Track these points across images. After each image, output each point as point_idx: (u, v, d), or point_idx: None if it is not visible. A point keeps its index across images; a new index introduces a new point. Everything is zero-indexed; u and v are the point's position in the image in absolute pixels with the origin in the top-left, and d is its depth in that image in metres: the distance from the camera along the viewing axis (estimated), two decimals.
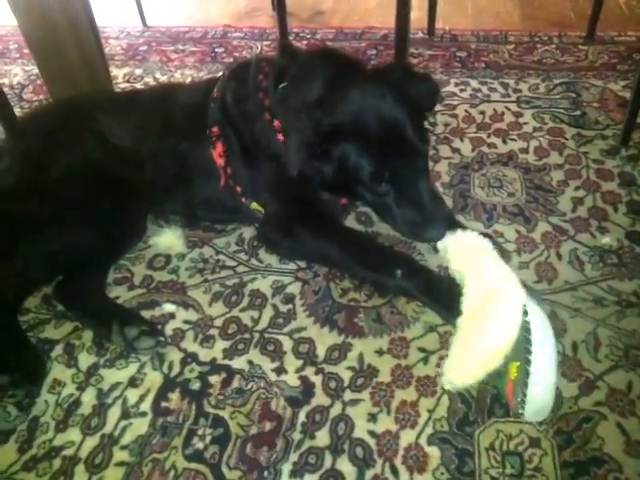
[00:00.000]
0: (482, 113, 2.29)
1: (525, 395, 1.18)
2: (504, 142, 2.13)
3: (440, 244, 1.52)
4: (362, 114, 1.49)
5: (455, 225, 1.63)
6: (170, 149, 1.78)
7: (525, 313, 1.23)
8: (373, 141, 1.48)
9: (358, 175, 1.51)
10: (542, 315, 1.26)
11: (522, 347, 1.20)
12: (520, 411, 1.22)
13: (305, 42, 2.97)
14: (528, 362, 1.18)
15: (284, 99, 1.62)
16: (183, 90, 1.98)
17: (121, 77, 2.84)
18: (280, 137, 1.63)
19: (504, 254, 1.61)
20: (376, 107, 1.50)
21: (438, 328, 1.51)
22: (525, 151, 2.07)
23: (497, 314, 1.24)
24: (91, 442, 1.36)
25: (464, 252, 1.41)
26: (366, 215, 1.87)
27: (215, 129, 1.72)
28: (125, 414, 1.40)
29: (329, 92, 1.54)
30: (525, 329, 1.21)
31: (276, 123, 1.63)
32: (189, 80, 2.75)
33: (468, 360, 1.25)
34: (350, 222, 1.85)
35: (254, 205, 1.75)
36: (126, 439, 1.35)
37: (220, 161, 1.73)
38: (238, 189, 1.74)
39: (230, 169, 1.73)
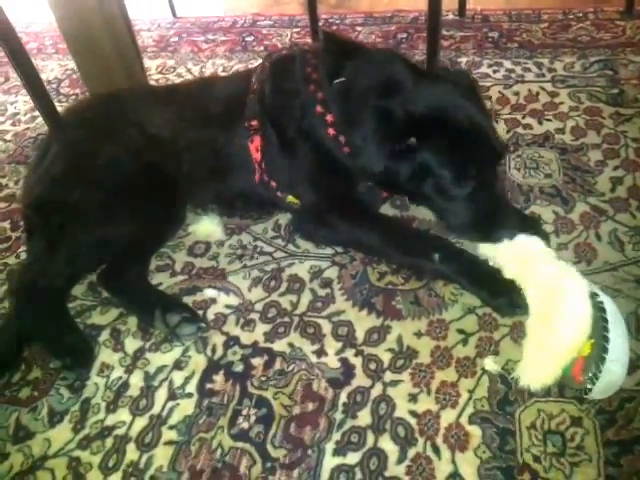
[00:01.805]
0: (516, 94, 2.26)
1: (600, 371, 1.20)
2: (540, 123, 2.10)
3: (482, 251, 1.53)
4: (454, 110, 1.49)
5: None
6: (207, 140, 1.80)
7: (596, 294, 1.27)
8: (465, 140, 1.48)
9: (440, 177, 1.50)
10: (609, 297, 1.29)
11: (598, 325, 1.23)
12: (589, 386, 1.22)
13: (335, 28, 2.97)
14: (606, 339, 1.20)
15: (344, 93, 1.59)
16: (221, 82, 2.00)
17: (154, 69, 2.89)
18: (331, 131, 1.62)
19: (544, 237, 1.58)
20: (465, 105, 1.51)
21: (477, 310, 1.51)
22: (561, 131, 2.04)
23: (564, 312, 1.26)
24: (141, 422, 1.41)
25: (516, 259, 1.42)
26: (401, 199, 1.87)
27: (254, 122, 1.73)
28: (172, 395, 1.46)
29: (413, 87, 1.53)
30: (600, 309, 1.24)
31: (329, 117, 1.62)
32: (221, 69, 2.78)
33: (543, 361, 1.26)
34: (385, 207, 1.85)
35: (290, 199, 1.77)
36: (174, 419, 1.41)
37: (257, 155, 1.74)
38: (273, 184, 1.76)
39: (266, 164, 1.74)
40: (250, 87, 1.77)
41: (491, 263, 1.50)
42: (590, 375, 1.21)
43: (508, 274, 1.44)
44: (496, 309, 1.47)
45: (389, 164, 1.51)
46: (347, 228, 1.68)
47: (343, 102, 1.60)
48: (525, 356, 1.32)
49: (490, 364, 1.37)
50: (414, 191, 1.60)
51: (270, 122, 1.73)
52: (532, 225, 1.59)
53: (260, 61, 1.87)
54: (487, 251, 1.52)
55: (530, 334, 1.33)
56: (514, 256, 1.43)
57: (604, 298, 1.28)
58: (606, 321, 1.22)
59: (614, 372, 1.21)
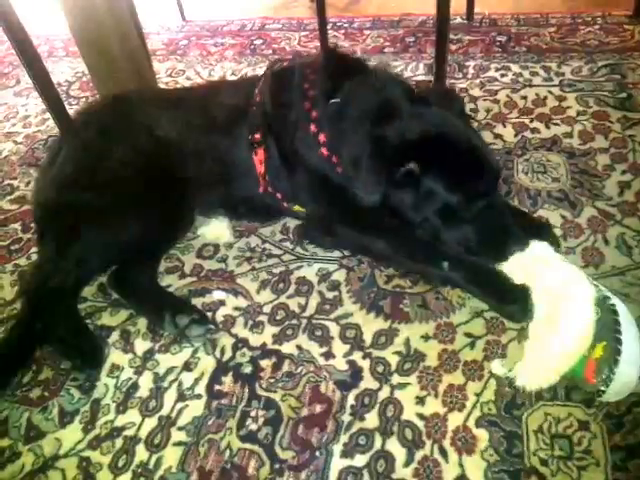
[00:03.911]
0: (524, 98, 2.26)
1: (613, 373, 1.20)
2: (547, 127, 2.11)
3: None
4: (451, 133, 1.49)
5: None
6: (213, 147, 1.80)
7: (608, 297, 1.27)
8: (466, 162, 1.47)
9: (447, 202, 1.47)
10: (620, 300, 1.29)
11: (609, 328, 1.23)
12: (602, 388, 1.23)
13: (342, 31, 2.98)
14: (618, 341, 1.21)
15: (338, 114, 1.58)
16: (228, 88, 2.01)
17: (163, 72, 2.91)
18: (324, 151, 1.62)
19: (554, 241, 1.59)
20: (460, 128, 1.52)
21: (484, 313, 1.52)
22: (569, 135, 2.05)
23: (568, 319, 1.26)
24: (150, 423, 1.43)
25: (523, 262, 1.41)
26: None
27: (257, 135, 1.72)
28: (181, 397, 1.47)
29: (408, 113, 1.52)
30: (612, 311, 1.25)
31: (322, 137, 1.61)
32: (230, 73, 2.80)
33: (543, 365, 1.27)
34: None
35: (296, 208, 1.78)
36: (183, 420, 1.42)
37: (260, 168, 1.74)
38: (278, 195, 1.77)
39: (269, 176, 1.75)
40: (253, 98, 1.76)
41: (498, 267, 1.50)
42: (603, 377, 1.22)
43: (515, 278, 1.43)
44: (506, 316, 1.47)
45: (391, 192, 1.50)
46: (354, 236, 1.68)
47: (336, 124, 1.59)
48: (525, 357, 1.32)
49: (497, 367, 1.37)
50: (418, 221, 1.56)
51: (271, 135, 1.73)
52: (542, 230, 1.59)
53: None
54: None
55: (533, 337, 1.33)
56: (522, 260, 1.43)
57: (616, 301, 1.28)
58: (619, 324, 1.23)
59: (628, 374, 1.22)
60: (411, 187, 1.50)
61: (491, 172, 1.51)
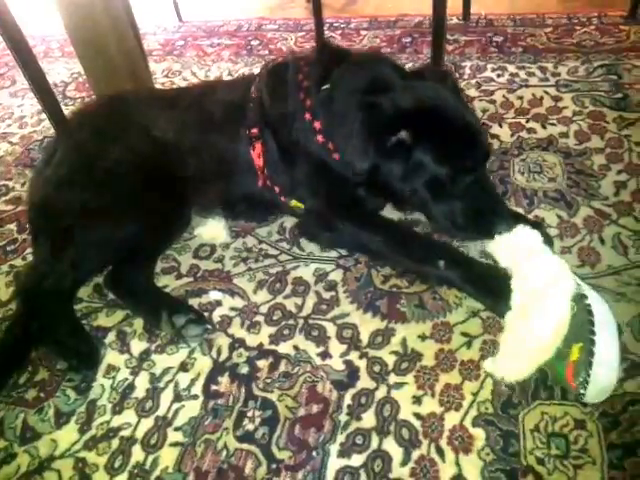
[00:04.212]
0: (520, 98, 2.27)
1: (589, 375, 1.19)
2: (543, 127, 2.11)
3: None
4: (444, 106, 1.49)
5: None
6: (210, 145, 1.80)
7: (585, 296, 1.25)
8: (458, 136, 1.48)
9: (437, 175, 1.48)
10: (601, 299, 1.27)
11: (585, 328, 1.21)
12: (581, 391, 1.22)
13: (339, 32, 2.99)
14: (592, 342, 1.19)
15: (329, 98, 1.60)
16: (224, 87, 2.01)
17: (160, 72, 2.91)
18: (320, 138, 1.62)
19: (548, 239, 1.58)
20: (454, 102, 1.52)
21: (481, 313, 1.52)
22: (565, 135, 2.05)
23: (544, 311, 1.24)
24: (146, 424, 1.42)
25: (509, 250, 1.40)
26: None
27: (255, 130, 1.73)
28: (177, 397, 1.46)
29: (400, 85, 1.53)
30: (587, 311, 1.23)
31: (316, 124, 1.63)
32: (226, 73, 2.80)
33: (518, 356, 1.26)
34: (389, 210, 1.84)
35: (294, 203, 1.78)
36: (179, 421, 1.41)
37: (259, 162, 1.75)
38: (276, 189, 1.77)
39: (268, 170, 1.75)
40: (249, 95, 1.77)
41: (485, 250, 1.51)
42: (581, 380, 1.21)
43: (499, 261, 1.43)
44: (502, 316, 1.46)
45: (380, 162, 1.51)
46: (351, 232, 1.68)
47: (329, 108, 1.60)
48: (502, 348, 1.32)
49: (490, 365, 1.37)
50: (407, 193, 1.57)
51: (268, 129, 1.73)
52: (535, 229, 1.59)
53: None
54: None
55: (508, 327, 1.33)
56: (508, 243, 1.42)
57: (593, 300, 1.25)
58: (593, 324, 1.20)
59: (603, 376, 1.20)
60: (401, 158, 1.50)
61: (481, 148, 1.53)
